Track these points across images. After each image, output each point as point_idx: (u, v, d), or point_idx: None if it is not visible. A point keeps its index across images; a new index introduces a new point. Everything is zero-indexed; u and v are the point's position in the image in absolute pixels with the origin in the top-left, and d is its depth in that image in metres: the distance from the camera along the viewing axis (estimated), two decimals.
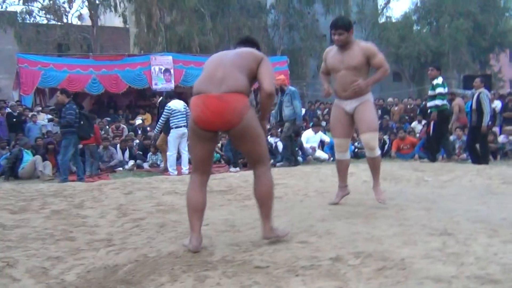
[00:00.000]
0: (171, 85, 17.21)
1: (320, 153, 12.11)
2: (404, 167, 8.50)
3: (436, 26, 30.88)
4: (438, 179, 7.00)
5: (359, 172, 7.83)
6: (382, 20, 33.41)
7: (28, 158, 10.13)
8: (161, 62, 17.34)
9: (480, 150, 9.69)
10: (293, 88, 10.66)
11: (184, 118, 9.88)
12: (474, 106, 9.52)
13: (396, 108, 16.37)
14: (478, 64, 31.09)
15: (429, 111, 9.85)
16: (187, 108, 10.07)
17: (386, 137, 12.92)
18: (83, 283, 3.11)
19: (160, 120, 10.20)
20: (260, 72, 3.65)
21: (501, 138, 11.71)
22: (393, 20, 32.85)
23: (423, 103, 16.00)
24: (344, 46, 4.98)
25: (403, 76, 33.09)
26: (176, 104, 10.06)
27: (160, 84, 17.13)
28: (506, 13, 31.85)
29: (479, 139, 9.66)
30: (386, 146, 12.55)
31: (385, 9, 34.23)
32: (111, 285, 3.05)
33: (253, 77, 3.66)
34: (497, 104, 14.01)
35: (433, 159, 9.82)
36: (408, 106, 16.26)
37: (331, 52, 5.16)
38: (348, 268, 3.20)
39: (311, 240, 3.80)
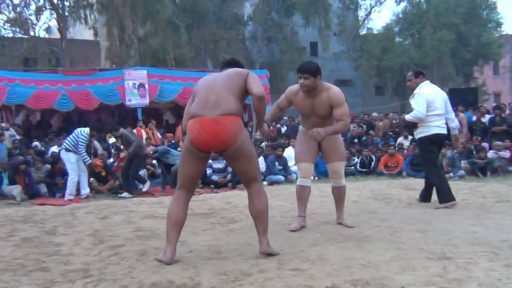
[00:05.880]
0: (146, 101, 16.67)
1: None
2: (394, 185, 8.34)
3: (419, 37, 30.47)
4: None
5: (347, 192, 7.61)
6: (363, 31, 33.16)
7: (6, 180, 9.64)
8: (135, 76, 16.71)
9: None
10: None
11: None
12: None
13: (380, 124, 15.88)
14: (462, 77, 30.82)
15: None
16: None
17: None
18: None
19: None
20: (248, 82, 3.87)
21: (490, 154, 11.48)
22: (375, 32, 32.39)
23: None
24: (311, 91, 4.81)
25: (386, 90, 32.49)
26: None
27: (134, 99, 16.54)
28: (489, 24, 31.49)
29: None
30: (372, 163, 12.09)
31: (366, 21, 34.08)
32: None
33: (244, 95, 3.90)
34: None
35: None
36: (393, 121, 15.78)
37: (299, 95, 4.93)
38: None
39: (304, 267, 3.60)
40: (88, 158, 9.35)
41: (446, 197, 6.01)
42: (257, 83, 3.89)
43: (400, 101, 30.89)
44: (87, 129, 9.56)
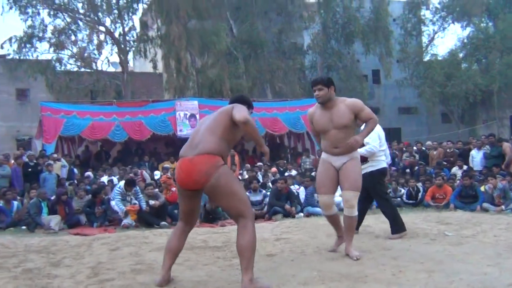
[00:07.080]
0: None
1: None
2: (429, 219, 7.81)
3: (485, 63, 29.20)
4: (460, 233, 6.36)
5: (376, 225, 7.26)
6: (426, 58, 32.16)
7: (45, 209, 9.91)
8: (187, 107, 17.00)
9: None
10: None
11: None
12: None
13: (435, 153, 15.20)
14: None
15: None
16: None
17: (419, 185, 11.81)
18: None
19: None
20: (232, 115, 4.00)
21: None
22: (439, 58, 31.16)
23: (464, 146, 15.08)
24: (327, 103, 5.03)
25: (452, 117, 31.25)
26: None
27: (185, 130, 16.65)
28: None
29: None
30: (419, 195, 11.44)
31: (429, 47, 33.15)
32: None
33: (230, 132, 4.02)
34: None
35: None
36: (448, 150, 14.81)
37: (317, 113, 5.18)
38: None
39: None
40: (122, 208, 9.74)
41: (400, 228, 6.21)
42: (239, 111, 3.99)
43: (467, 127, 29.60)
44: (122, 184, 10.22)
